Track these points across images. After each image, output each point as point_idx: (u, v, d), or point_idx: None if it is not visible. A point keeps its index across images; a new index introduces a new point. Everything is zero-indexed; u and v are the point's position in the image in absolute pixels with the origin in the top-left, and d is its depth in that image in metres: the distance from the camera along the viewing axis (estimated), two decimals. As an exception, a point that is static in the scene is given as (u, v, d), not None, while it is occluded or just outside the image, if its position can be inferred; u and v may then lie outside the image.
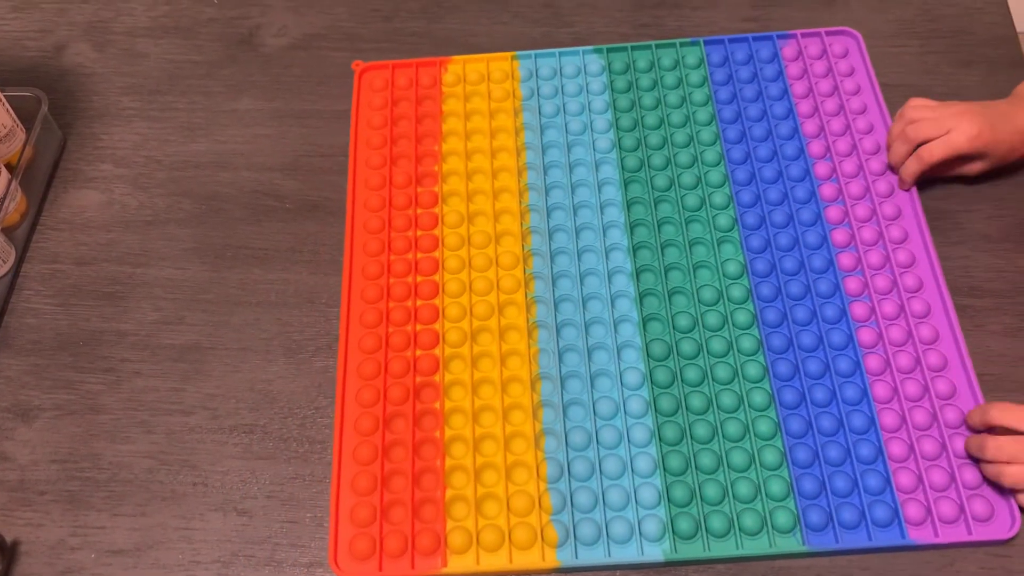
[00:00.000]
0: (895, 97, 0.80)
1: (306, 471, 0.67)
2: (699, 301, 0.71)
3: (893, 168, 0.76)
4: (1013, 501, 0.61)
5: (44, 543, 0.65)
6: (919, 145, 0.73)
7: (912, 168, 0.74)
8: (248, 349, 0.73)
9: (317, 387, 0.71)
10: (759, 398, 0.67)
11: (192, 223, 0.80)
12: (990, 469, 0.61)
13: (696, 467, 0.64)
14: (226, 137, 0.85)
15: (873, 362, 0.68)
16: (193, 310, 0.75)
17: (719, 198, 0.76)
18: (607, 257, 0.74)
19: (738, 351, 0.69)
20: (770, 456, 0.64)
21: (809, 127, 0.80)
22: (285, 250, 0.78)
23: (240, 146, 0.84)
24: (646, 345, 0.69)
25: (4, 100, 0.78)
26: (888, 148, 0.76)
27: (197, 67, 0.90)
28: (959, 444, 0.64)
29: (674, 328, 0.70)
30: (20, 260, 0.78)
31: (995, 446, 0.60)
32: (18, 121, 0.80)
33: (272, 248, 0.78)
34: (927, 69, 0.84)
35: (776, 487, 0.63)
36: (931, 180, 0.76)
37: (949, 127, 0.72)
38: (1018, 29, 0.88)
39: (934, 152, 0.72)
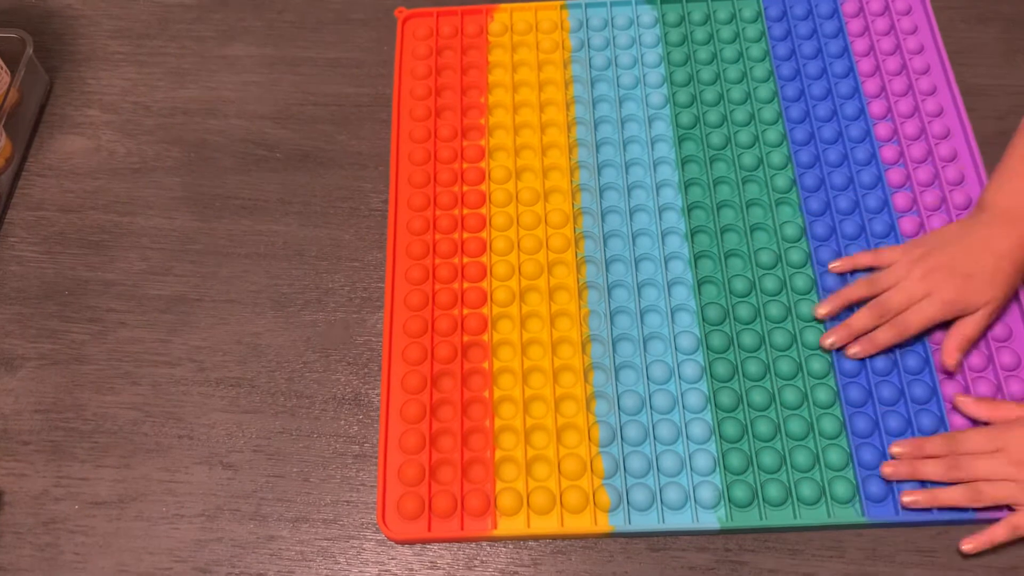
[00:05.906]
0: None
1: (293, 426, 0.66)
2: (756, 264, 0.69)
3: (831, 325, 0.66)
4: None
5: (27, 493, 0.64)
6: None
7: (884, 338, 0.64)
8: (236, 301, 0.71)
9: (305, 341, 0.69)
10: (818, 365, 0.65)
11: (180, 171, 0.78)
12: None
13: (752, 434, 0.63)
14: (216, 83, 0.82)
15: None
16: (180, 260, 0.73)
17: (777, 158, 0.74)
18: (660, 217, 0.72)
19: (796, 316, 0.67)
20: (829, 425, 0.63)
21: (870, 86, 0.77)
22: (275, 201, 0.76)
23: (230, 93, 0.82)
24: (701, 308, 0.68)
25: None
26: (851, 307, 0.66)
27: (188, 11, 0.87)
28: None
29: (730, 292, 0.68)
30: (5, 207, 0.76)
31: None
32: (2, 64, 0.77)
33: (261, 199, 0.76)
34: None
35: (835, 457, 0.61)
36: None
37: (925, 291, 0.63)
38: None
39: (910, 324, 0.64)
